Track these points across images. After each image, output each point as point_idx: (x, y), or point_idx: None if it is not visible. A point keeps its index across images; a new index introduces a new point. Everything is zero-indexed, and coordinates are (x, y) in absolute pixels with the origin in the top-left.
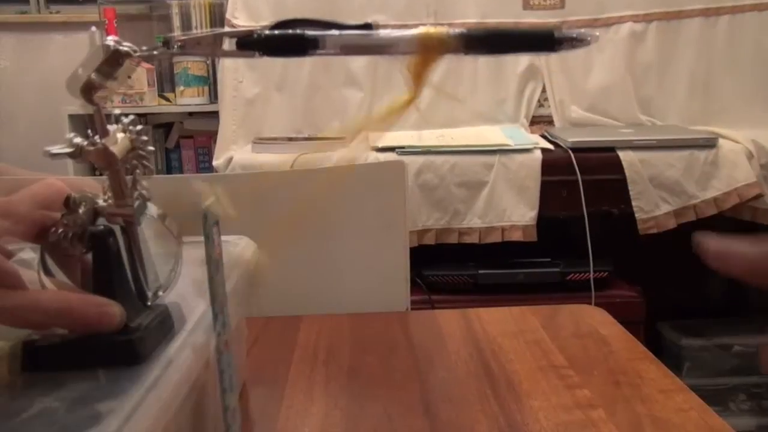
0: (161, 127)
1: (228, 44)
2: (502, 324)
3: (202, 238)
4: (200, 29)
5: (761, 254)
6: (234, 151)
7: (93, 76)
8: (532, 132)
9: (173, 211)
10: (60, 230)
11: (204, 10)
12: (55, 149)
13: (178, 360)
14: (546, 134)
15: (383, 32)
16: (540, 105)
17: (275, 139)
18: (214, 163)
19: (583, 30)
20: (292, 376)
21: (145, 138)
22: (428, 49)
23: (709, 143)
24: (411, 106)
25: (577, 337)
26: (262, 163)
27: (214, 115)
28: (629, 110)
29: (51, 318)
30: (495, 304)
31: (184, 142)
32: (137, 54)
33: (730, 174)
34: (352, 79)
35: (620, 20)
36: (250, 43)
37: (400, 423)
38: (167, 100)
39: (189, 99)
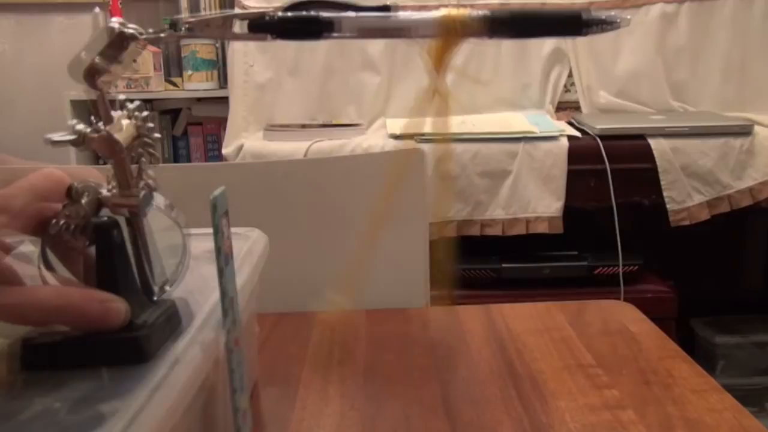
0: (168, 113)
1: (239, 26)
2: (526, 320)
3: (210, 230)
4: (209, 10)
5: None
6: (245, 139)
7: (96, 59)
8: (558, 119)
9: (180, 201)
10: (61, 222)
11: None
12: (57, 137)
13: (186, 358)
14: (573, 121)
15: (402, 14)
16: (566, 90)
17: (288, 126)
18: (224, 151)
19: (612, 12)
20: (306, 375)
21: (151, 125)
22: (449, 32)
23: (744, 130)
24: (434, 94)
25: (606, 334)
26: (274, 151)
27: (224, 100)
28: (660, 96)
29: (51, 315)
30: (519, 300)
31: (192, 129)
32: (143, 36)
33: (767, 163)
34: (369, 63)
35: (651, 1)
36: (262, 26)
37: (419, 424)
38: (174, 85)
39: (197, 84)
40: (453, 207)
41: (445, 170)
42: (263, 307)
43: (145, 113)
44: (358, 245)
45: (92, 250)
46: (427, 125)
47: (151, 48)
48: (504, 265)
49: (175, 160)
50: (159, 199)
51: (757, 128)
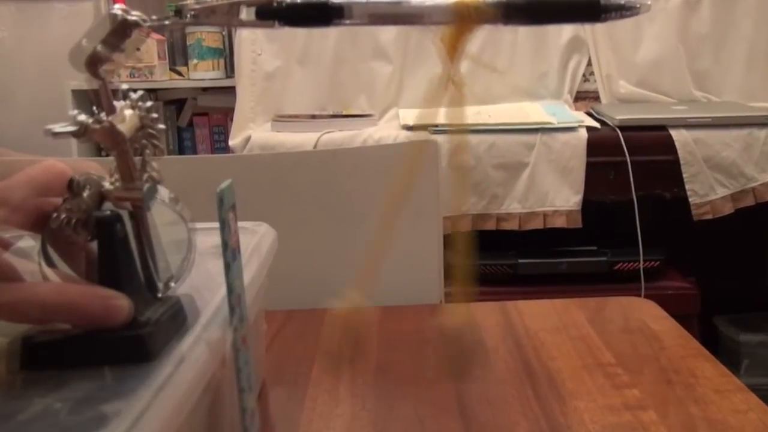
0: (173, 103)
1: (246, 13)
2: (543, 318)
3: (217, 225)
4: None
5: None
6: (252, 130)
7: (99, 48)
8: (577, 109)
9: (186, 194)
10: (62, 216)
11: None
12: (58, 128)
13: (191, 357)
14: (592, 111)
15: (414, 0)
16: (585, 80)
17: (297, 116)
18: (231, 142)
19: None
20: (315, 374)
21: (155, 115)
22: (464, 19)
23: None
24: (448, 83)
25: (626, 332)
26: (282, 142)
27: (231, 90)
28: (682, 85)
29: (51, 313)
30: (536, 296)
31: (197, 119)
32: (147, 24)
33: None
34: (380, 51)
35: None
36: (270, 12)
37: (432, 425)
38: (179, 74)
39: (203, 73)
40: (468, 200)
41: (459, 162)
42: (271, 303)
43: (149, 103)
44: (372, 241)
45: (94, 245)
46: (441, 116)
47: (155, 36)
48: (521, 261)
49: (180, 152)
50: (163, 193)
51: None
